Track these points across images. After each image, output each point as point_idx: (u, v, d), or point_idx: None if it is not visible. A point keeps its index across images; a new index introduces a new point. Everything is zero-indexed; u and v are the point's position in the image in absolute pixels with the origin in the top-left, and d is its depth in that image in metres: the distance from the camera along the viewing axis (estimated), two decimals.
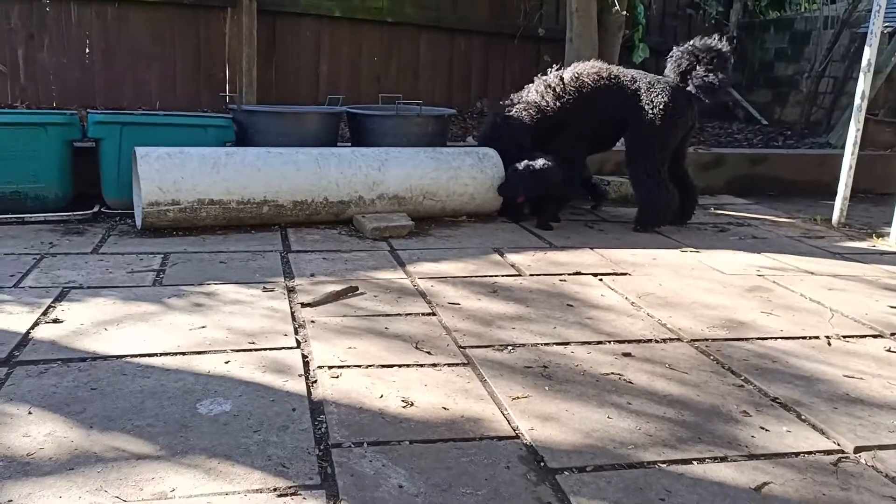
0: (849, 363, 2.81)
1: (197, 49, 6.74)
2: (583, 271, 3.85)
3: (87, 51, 6.45)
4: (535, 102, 4.95)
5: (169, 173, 4.21)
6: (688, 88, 4.73)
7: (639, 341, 2.95)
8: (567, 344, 2.89)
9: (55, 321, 2.90)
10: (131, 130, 4.57)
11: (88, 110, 4.94)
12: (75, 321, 2.91)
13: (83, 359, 2.58)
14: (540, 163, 4.68)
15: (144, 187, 4.16)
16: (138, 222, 4.35)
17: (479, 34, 7.76)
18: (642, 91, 4.78)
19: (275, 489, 1.88)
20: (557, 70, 5.04)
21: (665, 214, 4.89)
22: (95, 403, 2.27)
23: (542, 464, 2.06)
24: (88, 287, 3.32)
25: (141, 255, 3.84)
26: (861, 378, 2.68)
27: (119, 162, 4.57)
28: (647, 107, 4.74)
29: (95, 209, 4.63)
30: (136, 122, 4.64)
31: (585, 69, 4.94)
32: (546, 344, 2.88)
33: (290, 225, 4.53)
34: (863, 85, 4.97)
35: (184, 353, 2.65)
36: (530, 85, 5.09)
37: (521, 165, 4.71)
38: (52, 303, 3.09)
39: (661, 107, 4.70)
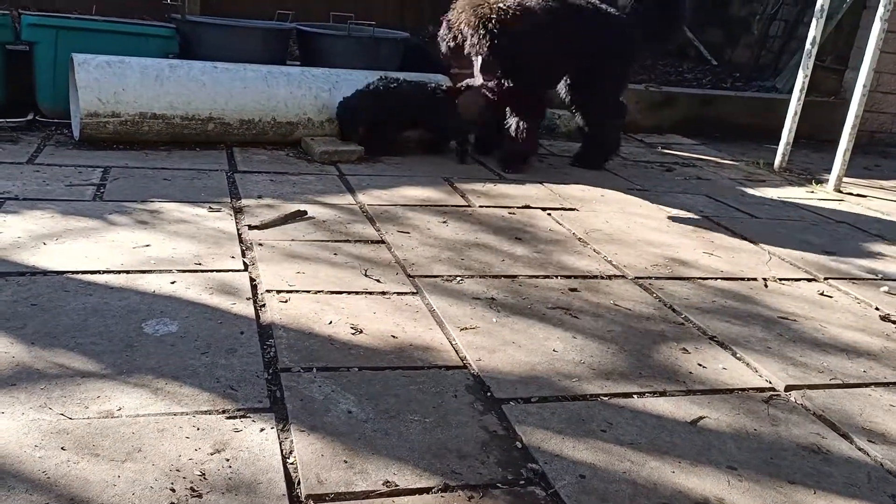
0: (784, 305, 2.92)
1: None
2: (532, 205, 3.88)
3: None
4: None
5: (109, 83, 4.04)
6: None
7: (585, 276, 3.00)
8: (515, 277, 2.93)
9: None
10: (68, 35, 4.35)
11: (21, 11, 4.66)
12: (12, 234, 2.81)
13: (22, 273, 2.51)
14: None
15: (83, 97, 3.98)
16: (76, 133, 4.18)
17: None
18: (612, 22, 4.47)
19: (223, 411, 1.88)
20: None
21: (614, 153, 4.90)
22: (36, 319, 2.22)
23: (489, 394, 2.10)
24: (25, 199, 3.20)
25: (80, 168, 3.71)
26: (794, 320, 2.79)
27: (55, 68, 4.35)
28: (617, 39, 4.47)
29: (30, 117, 4.43)
30: (73, 27, 4.41)
31: None
32: (495, 276, 2.91)
33: (236, 144, 4.41)
34: (814, 31, 5.02)
35: (128, 272, 2.60)
36: None
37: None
38: None
39: (629, 41, 4.50)
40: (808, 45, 5.06)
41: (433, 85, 4.61)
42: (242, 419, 1.86)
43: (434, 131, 4.72)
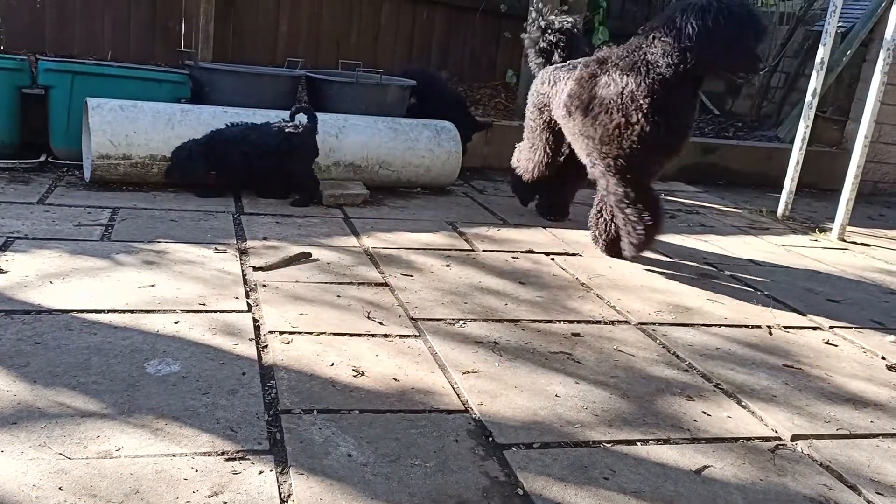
0: (789, 353, 2.91)
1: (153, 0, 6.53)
2: (535, 250, 3.89)
3: None
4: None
5: (121, 127, 4.10)
6: None
7: (588, 322, 3.00)
8: (518, 321, 2.92)
9: None
10: (83, 80, 4.43)
11: (38, 56, 4.76)
12: (20, 272, 2.83)
13: (27, 311, 2.52)
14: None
15: (95, 139, 4.04)
16: (87, 174, 4.23)
17: (441, 4, 7.67)
18: None
19: (223, 453, 1.87)
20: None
21: None
22: (40, 358, 2.22)
23: (491, 439, 2.08)
24: (34, 238, 3.23)
25: (89, 209, 3.74)
26: (800, 368, 2.78)
27: (69, 112, 4.42)
28: None
29: (42, 158, 4.49)
30: (88, 73, 4.49)
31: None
32: (497, 320, 2.91)
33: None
34: (815, 83, 5.08)
35: (132, 311, 2.61)
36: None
37: None
38: None
39: None
40: (808, 97, 5.11)
41: (277, 127, 4.23)
42: (241, 461, 1.85)
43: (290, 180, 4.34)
